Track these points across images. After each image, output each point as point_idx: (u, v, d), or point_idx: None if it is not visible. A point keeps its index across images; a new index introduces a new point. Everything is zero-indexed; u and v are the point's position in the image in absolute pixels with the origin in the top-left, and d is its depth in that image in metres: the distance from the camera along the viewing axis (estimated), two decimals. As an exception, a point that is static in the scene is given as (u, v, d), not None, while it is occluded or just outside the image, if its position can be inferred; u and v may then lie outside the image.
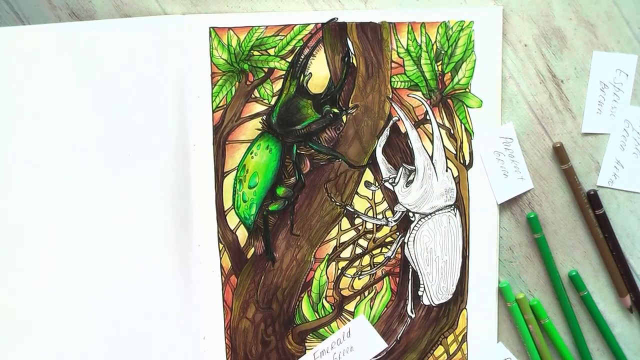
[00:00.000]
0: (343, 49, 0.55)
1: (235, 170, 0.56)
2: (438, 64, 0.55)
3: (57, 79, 0.54)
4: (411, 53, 0.55)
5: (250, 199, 0.56)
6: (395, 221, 0.57)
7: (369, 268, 0.57)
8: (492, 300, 0.57)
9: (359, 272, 0.57)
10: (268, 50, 0.54)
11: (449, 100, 0.55)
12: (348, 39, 0.54)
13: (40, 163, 0.54)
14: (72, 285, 0.55)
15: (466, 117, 0.55)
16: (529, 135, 0.56)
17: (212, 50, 0.54)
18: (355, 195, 0.56)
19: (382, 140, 0.56)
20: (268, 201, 0.56)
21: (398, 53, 0.55)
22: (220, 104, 0.55)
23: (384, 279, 0.57)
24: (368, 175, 0.56)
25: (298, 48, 0.54)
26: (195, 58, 0.54)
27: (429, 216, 0.56)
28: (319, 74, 0.55)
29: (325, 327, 0.58)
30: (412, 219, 0.57)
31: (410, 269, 0.57)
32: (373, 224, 0.57)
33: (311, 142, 0.56)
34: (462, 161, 0.56)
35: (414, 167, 0.56)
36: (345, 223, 0.57)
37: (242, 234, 0.56)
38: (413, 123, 0.56)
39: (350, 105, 0.55)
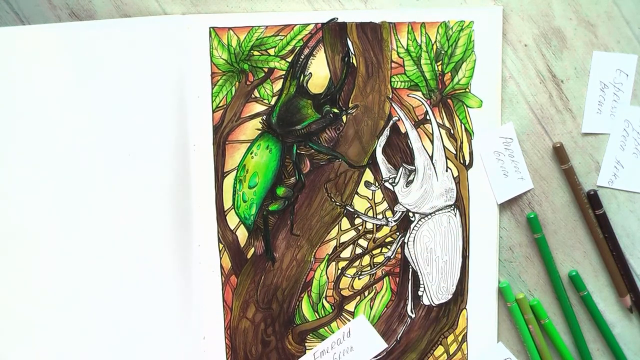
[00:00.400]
0: (343, 49, 0.55)
1: (235, 170, 0.56)
2: (438, 64, 0.55)
3: (57, 79, 0.54)
4: (411, 53, 0.55)
5: (250, 199, 0.56)
6: (395, 221, 0.57)
7: (369, 268, 0.57)
8: (492, 300, 0.57)
9: (359, 272, 0.57)
10: (268, 50, 0.54)
11: (449, 100, 0.55)
12: (348, 39, 0.54)
13: (41, 163, 0.54)
14: (72, 285, 0.55)
15: (466, 117, 0.55)
16: (529, 135, 0.56)
17: (212, 50, 0.54)
18: (355, 195, 0.56)
19: (382, 140, 0.56)
20: (268, 201, 0.56)
21: (398, 53, 0.55)
22: (220, 104, 0.55)
23: (384, 279, 0.57)
24: (368, 175, 0.56)
25: (298, 48, 0.54)
26: (195, 58, 0.54)
27: (429, 216, 0.56)
28: (319, 74, 0.55)
29: (325, 327, 0.58)
30: (412, 219, 0.57)
31: (410, 269, 0.57)
32: (373, 224, 0.57)
33: (311, 142, 0.56)
34: (462, 161, 0.56)
35: (414, 167, 0.56)
36: (345, 223, 0.57)
37: (242, 234, 0.56)
38: (413, 123, 0.56)
39: (350, 105, 0.55)
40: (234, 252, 0.56)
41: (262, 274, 0.57)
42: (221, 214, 0.56)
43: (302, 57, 0.54)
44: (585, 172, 0.56)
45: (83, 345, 0.56)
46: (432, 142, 0.56)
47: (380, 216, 0.57)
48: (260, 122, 0.55)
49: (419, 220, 0.57)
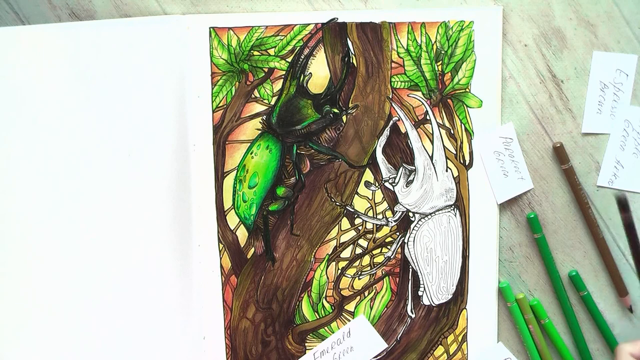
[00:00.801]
0: (343, 49, 0.55)
1: (235, 170, 0.56)
2: (438, 64, 0.55)
3: (57, 79, 0.54)
4: (411, 53, 0.55)
5: (250, 199, 0.56)
6: (395, 221, 0.57)
7: (369, 268, 0.57)
8: (492, 300, 0.57)
9: (359, 272, 0.57)
10: (268, 50, 0.54)
11: (449, 100, 0.55)
12: (348, 39, 0.54)
13: (41, 163, 0.54)
14: (72, 285, 0.55)
15: (466, 117, 0.55)
16: (529, 135, 0.56)
17: (212, 50, 0.54)
18: (355, 195, 0.56)
19: (382, 140, 0.56)
20: (268, 201, 0.56)
21: (398, 53, 0.55)
22: (220, 104, 0.55)
23: (384, 279, 0.57)
24: (368, 175, 0.56)
25: (298, 48, 0.54)
26: (195, 58, 0.54)
27: (429, 216, 0.56)
28: (319, 74, 0.55)
29: (325, 327, 0.58)
30: (412, 219, 0.57)
31: (410, 269, 0.57)
32: (373, 224, 0.57)
33: (311, 142, 0.56)
34: (462, 161, 0.56)
35: (414, 167, 0.56)
36: (345, 223, 0.57)
37: (242, 234, 0.56)
38: (413, 123, 0.56)
39: (350, 105, 0.55)
40: (234, 252, 0.56)
41: (262, 274, 0.57)
42: (221, 214, 0.56)
43: (302, 57, 0.54)
44: (585, 172, 0.56)
45: (83, 345, 0.56)
46: (432, 142, 0.56)
47: (380, 216, 0.57)
48: (260, 122, 0.55)
49: (419, 220, 0.57)
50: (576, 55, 0.55)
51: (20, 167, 0.54)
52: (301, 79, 0.55)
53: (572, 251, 0.57)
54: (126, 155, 0.54)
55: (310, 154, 0.56)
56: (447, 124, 0.56)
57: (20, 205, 0.54)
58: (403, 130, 0.56)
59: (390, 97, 0.55)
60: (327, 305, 0.57)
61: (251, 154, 0.56)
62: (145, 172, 0.54)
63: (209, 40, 0.54)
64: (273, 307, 0.57)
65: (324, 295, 0.57)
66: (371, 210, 0.57)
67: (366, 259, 0.57)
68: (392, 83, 0.55)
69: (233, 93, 0.55)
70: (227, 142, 0.55)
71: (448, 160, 0.56)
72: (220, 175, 0.56)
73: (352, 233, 0.57)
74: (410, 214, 0.57)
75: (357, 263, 0.57)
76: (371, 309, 0.58)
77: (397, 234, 0.57)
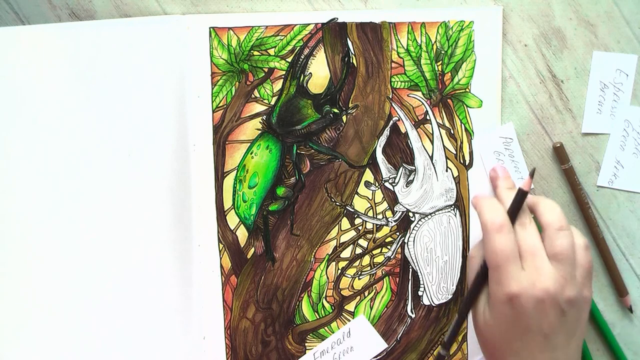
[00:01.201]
0: (343, 49, 0.55)
1: (235, 170, 0.56)
2: (438, 64, 0.55)
3: (57, 79, 0.54)
4: (411, 53, 0.55)
5: (250, 199, 0.56)
6: (395, 221, 0.57)
7: (369, 268, 0.57)
8: (492, 300, 0.57)
9: (359, 272, 0.57)
10: (268, 50, 0.54)
11: (449, 100, 0.55)
12: (348, 39, 0.54)
13: (40, 163, 0.54)
14: (72, 285, 0.55)
15: (466, 117, 0.55)
16: (529, 135, 0.56)
17: (212, 50, 0.54)
18: (355, 195, 0.56)
19: (382, 140, 0.56)
20: (268, 201, 0.56)
21: (398, 53, 0.55)
22: (220, 104, 0.55)
23: (384, 279, 0.57)
24: (368, 175, 0.56)
25: (298, 48, 0.54)
26: (195, 58, 0.54)
27: (429, 216, 0.56)
28: (319, 74, 0.55)
29: (325, 327, 0.58)
30: (412, 219, 0.57)
31: (410, 269, 0.57)
32: (373, 224, 0.57)
33: (311, 142, 0.56)
34: (462, 161, 0.56)
35: (414, 167, 0.56)
36: (345, 223, 0.57)
37: (242, 234, 0.56)
38: (413, 123, 0.56)
39: (350, 105, 0.55)
40: (234, 252, 0.56)
41: (262, 274, 0.57)
42: (221, 214, 0.56)
43: (302, 57, 0.54)
44: (585, 172, 0.56)
45: (83, 345, 0.56)
46: (432, 142, 0.56)
47: (380, 216, 0.57)
48: (260, 122, 0.55)
49: (419, 220, 0.57)
50: (576, 55, 0.55)
51: (20, 167, 0.54)
52: (301, 79, 0.55)
53: (572, 251, 0.57)
54: (126, 155, 0.54)
55: (310, 154, 0.56)
56: (447, 124, 0.56)
57: (20, 206, 0.54)
58: (403, 130, 0.56)
59: (390, 97, 0.55)
60: (327, 305, 0.57)
61: (251, 154, 0.56)
62: (145, 172, 0.54)
63: (209, 40, 0.54)
64: (273, 307, 0.57)
65: (324, 295, 0.57)
66: (371, 210, 0.57)
67: (366, 259, 0.57)
68: (392, 83, 0.55)
69: (233, 93, 0.55)
70: (227, 142, 0.55)
71: (448, 160, 0.56)
72: (220, 175, 0.56)
73: (352, 233, 0.57)
74: (410, 214, 0.57)
75: (357, 263, 0.57)
76: (371, 309, 0.58)
77: (397, 234, 0.57)
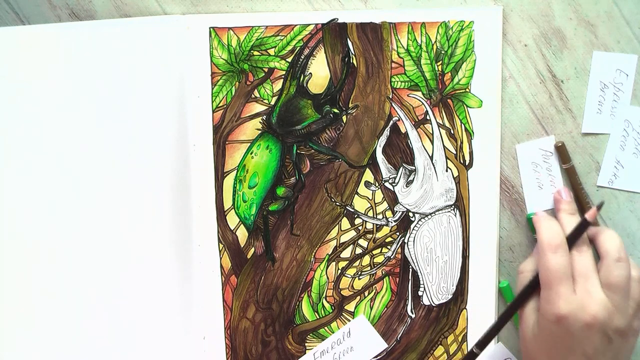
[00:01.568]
0: (343, 49, 0.55)
1: (235, 170, 0.56)
2: (438, 64, 0.55)
3: (57, 79, 0.54)
4: (411, 53, 0.55)
5: (250, 199, 0.56)
6: (395, 221, 0.57)
7: (369, 268, 0.57)
8: (492, 300, 0.57)
9: (359, 272, 0.57)
10: (268, 50, 0.54)
11: (449, 100, 0.55)
12: (348, 39, 0.54)
13: (40, 163, 0.54)
14: (72, 284, 0.55)
15: (466, 117, 0.55)
16: (529, 136, 0.56)
17: (212, 50, 0.54)
18: (355, 195, 0.56)
19: (382, 140, 0.56)
20: (268, 201, 0.56)
21: (398, 53, 0.55)
22: (220, 104, 0.55)
23: (384, 279, 0.57)
24: (368, 175, 0.56)
25: (298, 48, 0.54)
26: (195, 58, 0.54)
27: (429, 216, 0.56)
28: (319, 74, 0.55)
29: (325, 327, 0.58)
30: (412, 219, 0.57)
31: (410, 269, 0.57)
32: (373, 224, 0.57)
33: (311, 142, 0.56)
34: (462, 161, 0.56)
35: (414, 167, 0.56)
36: (345, 223, 0.57)
37: (242, 234, 0.56)
38: (413, 123, 0.56)
39: (350, 105, 0.55)
40: (234, 252, 0.56)
41: (262, 274, 0.57)
42: (221, 214, 0.56)
43: (302, 57, 0.54)
44: (586, 172, 0.56)
45: (83, 345, 0.56)
46: (432, 142, 0.56)
47: (380, 216, 0.57)
48: (260, 122, 0.55)
49: (419, 220, 0.57)
50: (576, 55, 0.55)
51: (20, 167, 0.54)
52: (301, 79, 0.55)
53: (572, 251, 0.57)
54: (126, 155, 0.54)
55: (310, 154, 0.56)
56: (447, 124, 0.56)
57: (20, 206, 0.54)
58: (403, 130, 0.56)
59: (390, 97, 0.55)
60: (327, 305, 0.57)
61: (251, 154, 0.56)
62: (145, 172, 0.54)
63: (209, 40, 0.54)
64: (273, 307, 0.57)
65: (324, 295, 0.57)
66: (371, 210, 0.57)
67: (366, 259, 0.57)
68: (392, 83, 0.55)
69: (233, 93, 0.55)
70: (227, 142, 0.55)
71: (448, 160, 0.56)
72: (220, 175, 0.56)
73: (352, 233, 0.57)
74: (410, 214, 0.57)
75: (357, 263, 0.57)
76: (371, 309, 0.58)
77: (397, 234, 0.57)
